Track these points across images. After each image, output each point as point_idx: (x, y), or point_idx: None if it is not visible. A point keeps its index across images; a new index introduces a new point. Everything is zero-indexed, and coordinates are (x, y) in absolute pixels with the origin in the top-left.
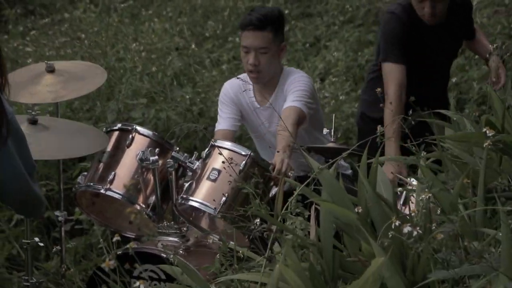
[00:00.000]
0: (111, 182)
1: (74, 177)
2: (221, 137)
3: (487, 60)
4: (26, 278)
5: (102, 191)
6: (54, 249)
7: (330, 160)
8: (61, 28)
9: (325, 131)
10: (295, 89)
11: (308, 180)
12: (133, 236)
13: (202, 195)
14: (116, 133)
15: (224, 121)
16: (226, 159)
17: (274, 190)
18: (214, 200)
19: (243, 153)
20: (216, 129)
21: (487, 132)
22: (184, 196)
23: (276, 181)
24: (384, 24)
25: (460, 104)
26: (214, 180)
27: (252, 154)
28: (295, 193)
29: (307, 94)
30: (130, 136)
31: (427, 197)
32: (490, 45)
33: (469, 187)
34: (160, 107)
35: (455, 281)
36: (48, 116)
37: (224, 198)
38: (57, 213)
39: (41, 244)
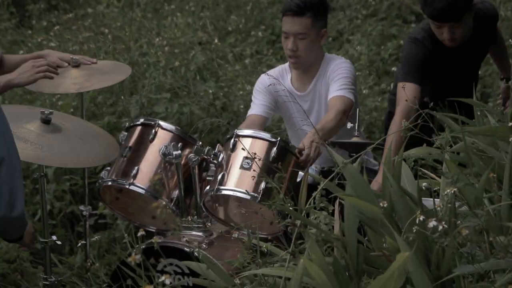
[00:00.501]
0: (135, 177)
1: (97, 172)
2: (251, 122)
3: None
4: (45, 277)
5: (126, 186)
6: (79, 243)
7: (354, 154)
8: (85, 23)
9: (349, 125)
10: (339, 76)
11: (332, 175)
12: (155, 230)
13: (239, 184)
14: (139, 128)
15: (256, 107)
16: (249, 153)
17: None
18: (252, 188)
19: (273, 139)
20: (248, 114)
21: None
22: (219, 187)
23: (303, 165)
24: (407, 50)
25: (484, 98)
26: (248, 169)
27: (281, 140)
28: (319, 187)
29: (351, 81)
30: (153, 131)
31: (452, 191)
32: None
33: (495, 181)
34: (183, 102)
35: (480, 276)
36: (61, 113)
37: (263, 185)
38: (81, 207)
39: (59, 243)
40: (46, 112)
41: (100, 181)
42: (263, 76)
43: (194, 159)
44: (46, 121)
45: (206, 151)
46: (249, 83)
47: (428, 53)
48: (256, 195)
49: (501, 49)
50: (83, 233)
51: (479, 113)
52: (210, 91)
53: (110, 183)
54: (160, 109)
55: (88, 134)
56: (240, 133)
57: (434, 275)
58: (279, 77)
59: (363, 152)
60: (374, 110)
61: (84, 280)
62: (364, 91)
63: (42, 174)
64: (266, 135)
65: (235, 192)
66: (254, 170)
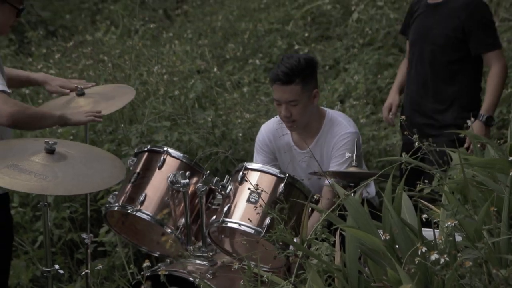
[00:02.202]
0: (142, 203)
1: (98, 199)
2: None
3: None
4: None
5: (133, 212)
6: (83, 272)
7: (351, 185)
8: (84, 50)
9: (347, 155)
10: (340, 159)
11: (333, 206)
12: (158, 255)
13: (244, 217)
14: (146, 154)
15: None
16: (254, 186)
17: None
18: (257, 222)
19: (281, 175)
20: None
21: None
22: (224, 219)
23: None
24: None
25: None
26: (254, 203)
27: (289, 176)
28: (321, 219)
29: (351, 161)
30: (162, 157)
31: (453, 224)
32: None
33: (494, 213)
34: (182, 130)
35: None
36: (65, 141)
37: (268, 220)
38: (83, 235)
39: (61, 272)
40: (50, 142)
41: (107, 205)
42: (262, 130)
43: (202, 189)
44: (50, 151)
45: (214, 181)
46: (247, 111)
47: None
48: (260, 229)
49: (489, 79)
50: (82, 261)
51: (478, 146)
52: (209, 119)
53: (116, 208)
54: (160, 137)
55: (93, 158)
56: (249, 167)
57: None
58: (278, 131)
59: (365, 183)
60: (372, 139)
61: None
62: (361, 120)
63: (46, 204)
64: (275, 171)
65: (239, 226)
66: (260, 205)
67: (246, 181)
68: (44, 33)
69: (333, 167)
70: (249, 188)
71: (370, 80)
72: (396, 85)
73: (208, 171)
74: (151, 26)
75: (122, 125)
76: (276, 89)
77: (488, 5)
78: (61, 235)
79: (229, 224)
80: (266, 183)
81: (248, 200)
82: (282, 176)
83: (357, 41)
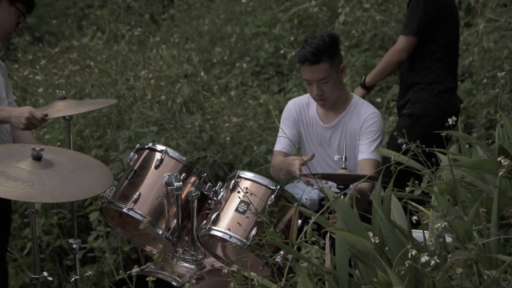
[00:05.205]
0: (135, 202)
1: (86, 206)
2: (278, 158)
3: None
4: None
5: (125, 210)
6: (73, 278)
7: (342, 187)
8: (70, 56)
9: (336, 157)
10: (372, 134)
11: (323, 209)
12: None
13: (231, 227)
14: (145, 152)
15: (282, 143)
16: (247, 198)
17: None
18: (243, 233)
19: (272, 187)
20: (275, 148)
21: (502, 161)
22: (212, 226)
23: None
24: None
25: (468, 128)
26: (243, 213)
27: (281, 188)
28: (311, 221)
29: (381, 138)
30: (160, 157)
31: (442, 225)
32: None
33: (483, 214)
34: (170, 135)
35: None
36: (53, 148)
37: (253, 232)
38: (71, 240)
39: (50, 279)
40: (37, 148)
41: (103, 201)
42: (289, 104)
43: (194, 194)
44: (37, 158)
45: (206, 187)
46: (235, 115)
47: None
48: (245, 241)
49: None
50: (71, 267)
51: (467, 146)
52: (197, 123)
53: (111, 205)
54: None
55: (81, 166)
56: (241, 175)
57: None
58: (304, 105)
59: (355, 184)
60: None
61: None
62: None
63: (33, 210)
64: (266, 181)
65: (224, 235)
66: (248, 216)
67: (237, 190)
68: (30, 39)
69: (365, 143)
70: (239, 197)
71: (357, 82)
72: None
73: (206, 173)
74: (138, 30)
75: (110, 131)
76: (305, 70)
77: (472, 4)
78: (50, 242)
79: (215, 233)
80: (256, 193)
81: (237, 210)
82: (273, 188)
83: (344, 43)
